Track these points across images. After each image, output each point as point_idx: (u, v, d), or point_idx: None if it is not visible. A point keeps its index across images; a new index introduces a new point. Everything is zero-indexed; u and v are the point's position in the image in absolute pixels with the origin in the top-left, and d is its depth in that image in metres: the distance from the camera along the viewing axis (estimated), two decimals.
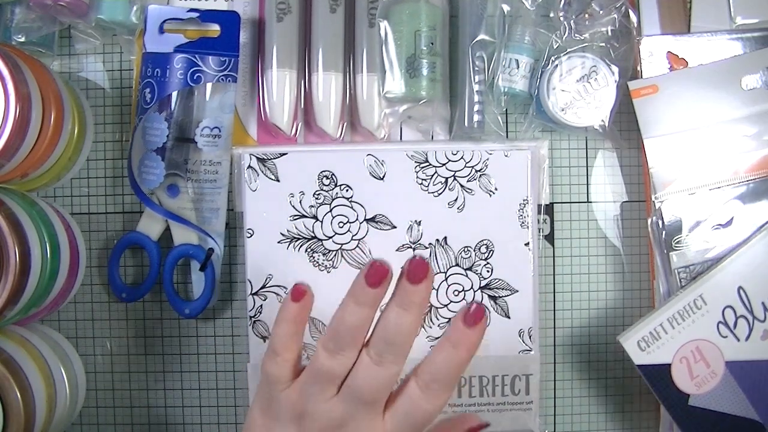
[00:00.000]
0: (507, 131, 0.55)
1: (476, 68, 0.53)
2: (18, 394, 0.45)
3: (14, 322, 0.49)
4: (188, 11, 0.51)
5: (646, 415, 0.56)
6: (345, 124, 0.54)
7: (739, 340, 0.44)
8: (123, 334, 0.55)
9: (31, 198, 0.49)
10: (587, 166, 0.56)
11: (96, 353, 0.55)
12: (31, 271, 0.45)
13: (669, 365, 0.44)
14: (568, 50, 0.52)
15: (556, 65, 0.52)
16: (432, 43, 0.52)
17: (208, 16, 0.51)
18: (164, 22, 0.51)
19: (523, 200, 0.52)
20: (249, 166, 0.52)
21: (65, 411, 0.51)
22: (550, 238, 0.56)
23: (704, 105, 0.51)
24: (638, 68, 0.52)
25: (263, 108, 0.53)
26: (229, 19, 0.51)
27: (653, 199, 0.51)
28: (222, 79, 0.51)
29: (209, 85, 0.51)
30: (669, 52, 0.52)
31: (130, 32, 0.53)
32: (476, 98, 0.53)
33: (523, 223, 0.52)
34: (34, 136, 0.46)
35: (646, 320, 0.45)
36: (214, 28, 0.52)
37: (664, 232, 0.51)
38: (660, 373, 0.44)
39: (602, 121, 0.52)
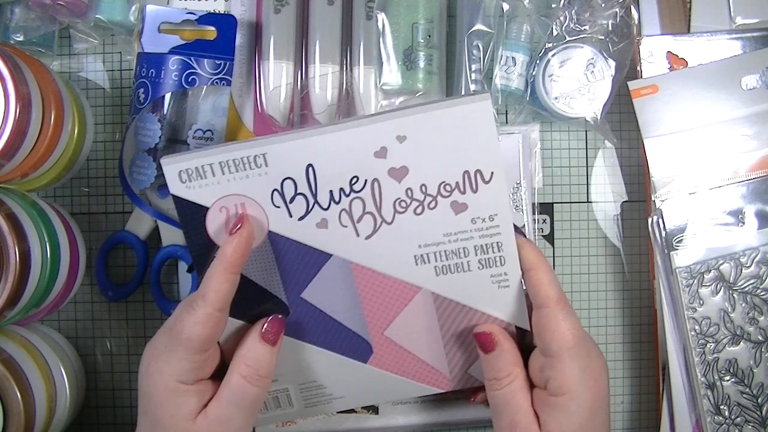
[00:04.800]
0: (507, 121, 0.56)
1: (473, 57, 0.53)
2: (18, 394, 0.45)
3: (14, 322, 0.49)
4: (186, 13, 0.51)
5: (646, 415, 0.56)
6: (341, 116, 0.54)
7: (291, 216, 0.40)
8: (123, 334, 0.55)
9: (31, 198, 0.49)
10: (587, 166, 0.56)
11: (96, 353, 0.55)
12: (31, 271, 0.45)
13: (206, 209, 0.40)
14: (568, 39, 0.52)
15: (555, 53, 0.52)
16: (429, 36, 0.52)
17: (205, 18, 0.51)
18: (162, 23, 0.51)
19: (516, 184, 0.53)
20: None
21: (65, 411, 0.51)
22: (550, 238, 0.56)
23: (704, 105, 0.51)
24: (638, 68, 0.52)
25: (259, 99, 0.53)
26: (225, 23, 0.51)
27: (653, 198, 0.51)
28: (216, 82, 0.51)
29: (203, 88, 0.51)
30: (669, 52, 0.52)
31: (129, 32, 0.53)
32: (472, 89, 0.53)
33: (517, 206, 0.53)
34: (34, 136, 0.46)
35: (197, 153, 0.40)
36: (211, 30, 0.51)
37: (664, 232, 0.51)
38: (194, 213, 0.40)
39: (594, 113, 0.52)
